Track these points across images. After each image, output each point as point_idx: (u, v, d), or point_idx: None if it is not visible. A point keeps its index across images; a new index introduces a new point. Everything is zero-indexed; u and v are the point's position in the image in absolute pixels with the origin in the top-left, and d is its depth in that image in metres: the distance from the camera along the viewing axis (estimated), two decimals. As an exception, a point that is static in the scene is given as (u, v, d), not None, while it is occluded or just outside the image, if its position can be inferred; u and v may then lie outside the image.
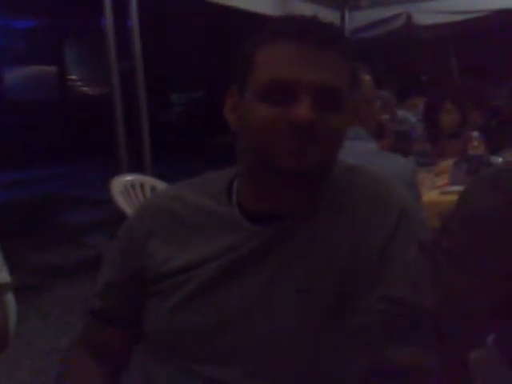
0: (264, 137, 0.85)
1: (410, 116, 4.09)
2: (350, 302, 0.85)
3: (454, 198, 0.93)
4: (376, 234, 0.87)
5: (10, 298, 1.31)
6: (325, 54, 0.86)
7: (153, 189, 2.78)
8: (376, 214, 0.88)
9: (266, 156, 0.86)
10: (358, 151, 1.55)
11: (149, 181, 2.88)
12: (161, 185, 2.77)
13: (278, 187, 0.90)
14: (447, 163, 2.81)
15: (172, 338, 0.91)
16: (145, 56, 3.26)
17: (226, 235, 0.92)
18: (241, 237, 0.91)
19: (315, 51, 0.85)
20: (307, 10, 4.21)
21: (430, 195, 2.46)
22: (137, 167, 3.25)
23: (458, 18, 4.10)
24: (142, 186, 2.79)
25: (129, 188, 2.73)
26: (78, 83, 12.15)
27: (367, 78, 2.04)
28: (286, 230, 0.90)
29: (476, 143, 2.65)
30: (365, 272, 0.85)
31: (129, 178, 2.82)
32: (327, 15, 4.56)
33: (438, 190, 2.56)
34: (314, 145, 0.85)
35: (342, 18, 4.70)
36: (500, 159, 2.62)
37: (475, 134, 2.73)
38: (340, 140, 0.90)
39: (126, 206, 2.57)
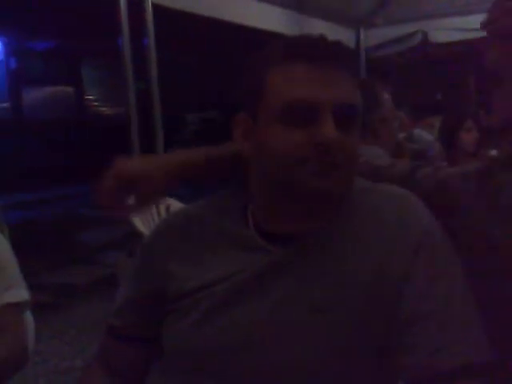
0: (288, 160, 0.85)
1: (426, 134, 4.06)
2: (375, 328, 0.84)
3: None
4: (397, 256, 0.86)
5: (28, 316, 1.32)
6: (338, 72, 0.87)
7: (168, 208, 2.77)
8: (396, 235, 0.87)
9: (288, 179, 0.85)
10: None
11: (164, 200, 2.87)
12: (175, 204, 2.76)
13: (298, 210, 0.90)
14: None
15: (188, 356, 0.91)
16: (160, 76, 3.28)
17: (242, 254, 0.92)
18: (256, 256, 0.90)
19: (329, 70, 0.86)
20: (322, 28, 4.23)
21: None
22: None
23: (475, 35, 4.12)
24: (157, 205, 2.79)
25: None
26: (95, 103, 12.32)
27: (386, 96, 2.04)
28: (301, 249, 0.89)
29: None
30: (392, 291, 0.84)
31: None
32: (342, 33, 4.57)
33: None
34: (336, 167, 0.85)
35: (358, 36, 4.71)
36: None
37: (493, 152, 2.69)
38: (358, 158, 0.91)
39: (141, 225, 2.57)
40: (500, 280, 0.88)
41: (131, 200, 0.98)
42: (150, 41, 3.18)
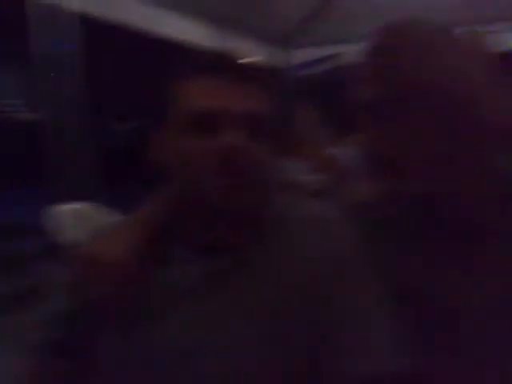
0: (194, 172, 0.86)
1: (349, 151, 4.21)
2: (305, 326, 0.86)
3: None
4: (322, 268, 0.89)
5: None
6: (246, 85, 0.89)
7: (100, 217, 2.77)
8: (320, 248, 0.91)
9: (197, 192, 0.87)
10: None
11: (98, 209, 2.86)
12: (111, 213, 2.75)
13: (212, 220, 0.90)
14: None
15: (126, 370, 0.91)
16: (87, 82, 3.23)
17: (175, 267, 0.93)
18: (188, 269, 0.91)
19: (237, 83, 0.88)
20: (251, 46, 4.29)
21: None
22: (83, 195, 3.21)
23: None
24: (91, 214, 2.79)
25: (78, 216, 2.71)
26: (11, 109, 11.76)
27: (309, 114, 2.13)
28: (234, 261, 0.91)
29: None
30: (317, 301, 0.87)
31: (78, 206, 2.80)
32: (270, 52, 4.65)
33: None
34: (243, 178, 0.85)
35: (285, 54, 4.82)
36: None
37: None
38: (269, 169, 0.91)
39: (77, 233, 2.54)
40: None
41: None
42: (77, 45, 3.10)
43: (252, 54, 4.22)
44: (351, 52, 4.62)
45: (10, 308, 3.83)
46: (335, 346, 0.85)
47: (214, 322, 0.88)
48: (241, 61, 0.93)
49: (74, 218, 2.69)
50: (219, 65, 0.90)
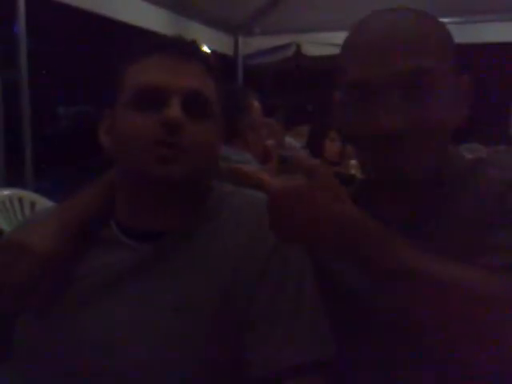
0: (135, 143, 0.87)
1: (295, 142, 4.25)
2: (234, 317, 0.86)
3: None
4: (253, 258, 0.89)
5: None
6: (190, 64, 0.91)
7: (32, 204, 2.66)
8: (253, 237, 0.91)
9: (137, 165, 0.87)
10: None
11: (28, 196, 2.75)
12: (40, 200, 2.66)
13: (151, 200, 0.91)
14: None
15: (46, 357, 0.89)
16: (30, 66, 3.13)
17: (104, 252, 0.92)
18: (119, 253, 0.91)
19: (181, 62, 0.91)
20: (201, 31, 4.27)
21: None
22: (17, 181, 3.10)
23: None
24: (20, 200, 2.67)
25: (6, 203, 2.60)
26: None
27: (256, 104, 2.12)
28: (164, 247, 0.90)
29: (353, 171, 2.83)
30: (245, 290, 0.87)
31: (6, 192, 2.69)
32: (221, 39, 4.65)
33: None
34: (182, 151, 0.87)
35: (236, 43, 4.81)
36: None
37: (353, 162, 2.91)
38: (210, 150, 0.93)
39: (3, 221, 2.45)
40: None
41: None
42: (21, 29, 3.02)
43: (202, 41, 4.19)
44: (304, 42, 4.68)
45: None
46: (258, 335, 0.85)
47: (138, 310, 0.87)
48: (187, 41, 0.95)
49: (3, 205, 2.58)
50: (164, 43, 0.92)
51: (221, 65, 1.00)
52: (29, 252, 0.87)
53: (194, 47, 0.95)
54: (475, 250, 0.80)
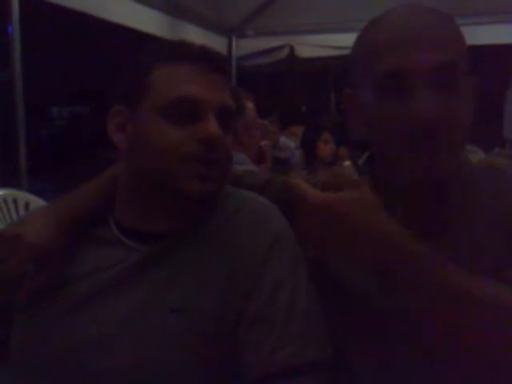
0: (171, 157, 0.86)
1: (289, 142, 4.27)
2: (233, 319, 0.86)
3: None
4: (252, 254, 0.90)
5: None
6: (220, 77, 0.92)
7: (27, 204, 2.66)
8: (248, 239, 0.92)
9: (172, 179, 0.87)
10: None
11: (23, 196, 2.75)
12: (35, 200, 2.66)
13: (167, 209, 0.91)
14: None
15: (43, 357, 0.89)
16: (25, 66, 3.12)
17: (103, 252, 0.93)
18: (118, 253, 0.91)
19: (210, 73, 0.90)
20: (195, 33, 4.26)
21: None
22: (12, 182, 3.09)
23: (337, 52, 4.39)
24: (15, 201, 2.67)
25: (1, 203, 2.60)
26: None
27: (250, 105, 2.13)
28: (165, 248, 0.91)
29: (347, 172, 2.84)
30: (242, 292, 0.88)
31: (1, 192, 2.68)
32: (214, 40, 4.64)
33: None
34: (218, 167, 0.88)
35: (230, 44, 4.81)
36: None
37: (347, 163, 2.93)
38: (232, 161, 0.95)
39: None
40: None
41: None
42: (15, 29, 3.02)
43: (198, 42, 4.19)
44: (298, 43, 4.70)
45: None
46: (253, 336, 0.85)
47: (137, 310, 0.87)
48: (217, 52, 0.95)
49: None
50: (196, 52, 0.91)
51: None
52: (22, 242, 0.87)
53: (221, 59, 0.95)
54: (499, 252, 0.81)
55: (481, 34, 3.94)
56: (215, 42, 4.63)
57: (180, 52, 0.91)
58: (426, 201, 0.90)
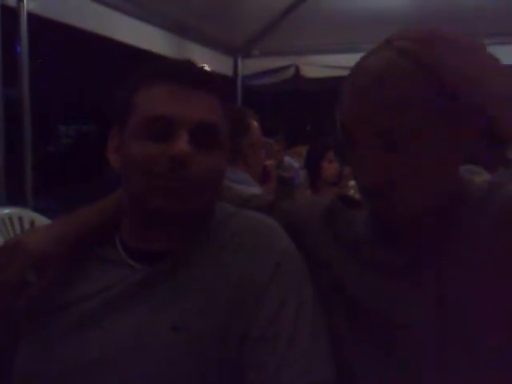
0: (142, 175, 0.88)
1: (294, 162, 4.27)
2: (235, 339, 0.86)
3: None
4: (257, 275, 0.90)
5: None
6: (199, 93, 0.91)
7: (32, 223, 2.66)
8: (253, 258, 0.92)
9: (140, 196, 0.89)
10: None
11: (28, 214, 2.76)
12: (40, 219, 2.66)
13: (155, 227, 0.92)
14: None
15: (43, 379, 0.88)
16: (33, 84, 3.16)
17: (108, 272, 0.93)
18: (121, 273, 0.92)
19: (190, 91, 0.90)
20: (202, 53, 4.32)
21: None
22: (17, 200, 3.11)
23: (342, 73, 4.41)
24: (20, 219, 2.68)
25: (6, 221, 2.61)
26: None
27: (255, 124, 2.14)
28: (167, 268, 0.91)
29: (352, 191, 2.84)
30: (246, 313, 0.88)
31: (6, 210, 2.69)
32: (221, 60, 4.69)
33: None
34: (189, 183, 0.87)
35: (235, 64, 4.86)
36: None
37: (351, 183, 2.93)
38: (218, 178, 0.94)
39: (2, 239, 2.44)
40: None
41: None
42: (23, 48, 3.06)
43: (203, 62, 4.24)
44: (303, 64, 4.73)
45: None
46: (257, 356, 0.85)
47: (140, 330, 0.87)
48: (200, 70, 0.95)
49: (3, 223, 2.58)
50: (177, 71, 0.92)
51: (226, 87, 1.03)
52: (22, 248, 0.88)
53: (205, 75, 0.95)
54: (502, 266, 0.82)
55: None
56: (221, 62, 4.69)
57: (161, 72, 0.92)
58: (429, 225, 0.90)
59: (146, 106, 0.90)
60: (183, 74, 0.92)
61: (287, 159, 4.32)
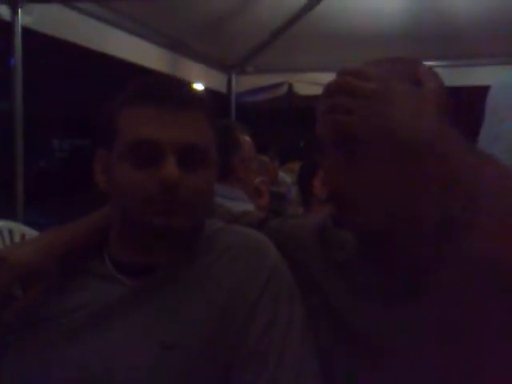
0: (135, 199, 0.87)
1: (287, 178, 4.28)
2: (223, 353, 0.86)
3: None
4: (247, 291, 0.90)
5: None
6: (184, 114, 0.90)
7: (23, 236, 2.65)
8: (243, 274, 0.91)
9: (137, 215, 0.88)
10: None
11: (18, 228, 2.75)
12: (31, 232, 2.65)
13: (149, 242, 0.92)
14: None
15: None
16: (26, 98, 3.16)
17: (95, 286, 0.93)
18: (109, 288, 0.91)
19: (175, 112, 0.89)
20: (197, 70, 4.35)
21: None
22: (8, 213, 3.09)
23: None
24: (10, 232, 2.67)
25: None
26: None
27: (246, 139, 2.13)
28: (155, 283, 0.91)
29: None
30: (235, 329, 0.87)
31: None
32: (215, 77, 4.72)
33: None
34: (179, 205, 0.87)
35: (229, 80, 4.88)
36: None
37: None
38: (207, 197, 0.94)
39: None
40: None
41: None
42: (17, 62, 3.06)
43: (197, 78, 4.27)
44: (296, 81, 4.75)
45: None
46: (245, 375, 0.85)
47: (126, 347, 0.86)
48: (185, 90, 0.95)
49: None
50: (159, 92, 0.90)
51: (214, 103, 1.02)
52: (8, 265, 0.87)
53: (190, 95, 0.94)
54: None
55: (477, 75, 4.02)
56: (215, 78, 4.71)
57: (144, 94, 0.91)
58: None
59: (130, 129, 0.89)
60: (166, 94, 0.90)
61: (281, 175, 4.33)
